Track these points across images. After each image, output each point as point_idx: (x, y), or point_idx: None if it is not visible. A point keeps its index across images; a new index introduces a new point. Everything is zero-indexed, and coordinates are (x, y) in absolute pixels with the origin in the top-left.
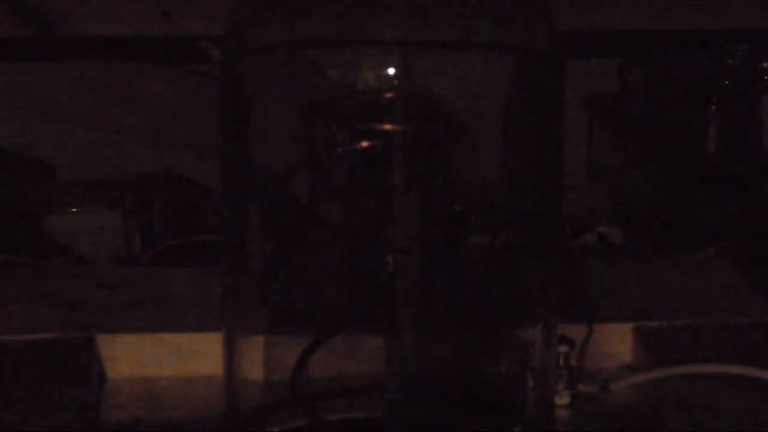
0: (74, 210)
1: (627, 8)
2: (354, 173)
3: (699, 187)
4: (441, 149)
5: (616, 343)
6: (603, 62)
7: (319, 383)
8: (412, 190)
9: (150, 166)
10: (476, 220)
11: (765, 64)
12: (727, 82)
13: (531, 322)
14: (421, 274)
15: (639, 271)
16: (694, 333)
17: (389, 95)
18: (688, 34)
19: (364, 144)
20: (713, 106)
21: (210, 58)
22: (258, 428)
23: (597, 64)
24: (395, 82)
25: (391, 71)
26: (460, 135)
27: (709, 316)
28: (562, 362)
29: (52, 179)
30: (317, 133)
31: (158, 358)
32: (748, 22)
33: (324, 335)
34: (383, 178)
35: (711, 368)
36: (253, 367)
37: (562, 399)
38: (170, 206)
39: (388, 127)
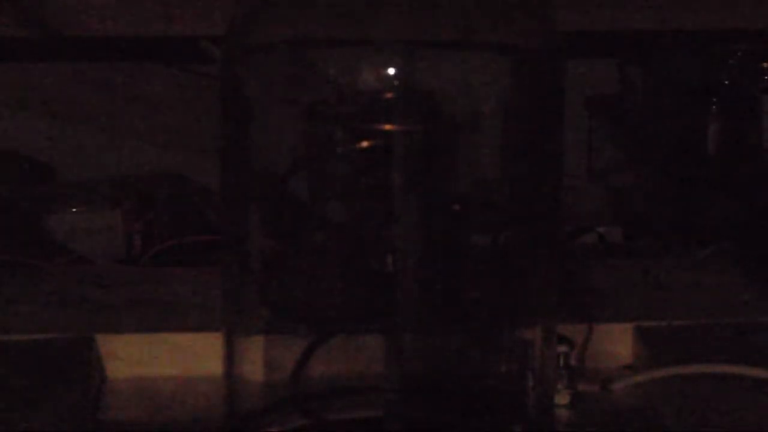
0: (74, 210)
1: (627, 8)
2: (354, 173)
3: (699, 187)
4: (441, 149)
5: (616, 343)
6: (603, 62)
7: (319, 383)
8: (412, 190)
9: (150, 166)
10: (476, 220)
11: (765, 64)
12: (727, 82)
13: (531, 322)
14: (421, 274)
15: (639, 271)
16: (694, 333)
17: (389, 95)
18: (688, 34)
19: (364, 144)
20: (713, 106)
21: (210, 58)
22: (258, 428)
23: (597, 64)
24: (395, 82)
25: (391, 71)
26: (460, 135)
27: (709, 316)
28: (562, 362)
29: (52, 179)
30: (317, 133)
31: (158, 358)
32: (748, 22)
33: (324, 335)
34: (383, 178)
35: (711, 368)
36: (253, 367)
37: (562, 399)
38: (170, 206)
39: (388, 127)
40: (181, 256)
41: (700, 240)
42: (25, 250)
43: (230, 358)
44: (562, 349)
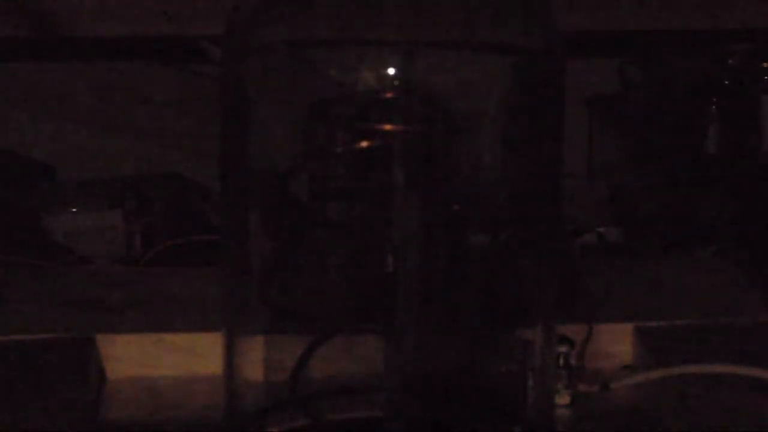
0: (74, 210)
1: (627, 8)
2: (354, 173)
3: (699, 187)
4: (441, 149)
5: (616, 343)
6: (603, 62)
7: (319, 383)
8: (412, 190)
9: (150, 166)
10: (476, 220)
11: (765, 64)
12: (727, 82)
13: (531, 322)
14: (421, 275)
15: (639, 271)
16: (694, 333)
17: (389, 95)
18: (688, 34)
19: (364, 144)
20: (713, 106)
21: (210, 58)
22: (258, 428)
23: (597, 64)
24: (395, 82)
25: (391, 71)
26: (459, 135)
27: (709, 316)
28: (562, 362)
29: (52, 179)
30: (317, 133)
31: (158, 358)
32: (748, 22)
33: (324, 335)
34: (383, 178)
35: (711, 368)
36: (253, 367)
37: (562, 399)
38: (170, 206)
39: (388, 127)
40: (181, 256)
41: (700, 240)
42: (25, 250)
43: (230, 358)
44: (562, 349)
